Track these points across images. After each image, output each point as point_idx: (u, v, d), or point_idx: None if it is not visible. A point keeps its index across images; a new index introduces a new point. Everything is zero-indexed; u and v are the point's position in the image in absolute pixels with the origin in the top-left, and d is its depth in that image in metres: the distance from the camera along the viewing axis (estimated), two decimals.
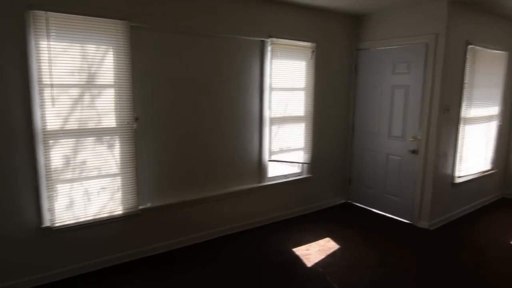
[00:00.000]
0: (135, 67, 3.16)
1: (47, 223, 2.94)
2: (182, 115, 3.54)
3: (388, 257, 3.55)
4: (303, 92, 4.38)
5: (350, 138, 5.02)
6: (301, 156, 4.52)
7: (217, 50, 3.66)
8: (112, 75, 3.05)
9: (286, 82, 4.19)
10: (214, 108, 3.73)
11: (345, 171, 5.10)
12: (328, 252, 3.65)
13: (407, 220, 4.45)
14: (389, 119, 4.53)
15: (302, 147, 4.49)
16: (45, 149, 2.84)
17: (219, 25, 3.62)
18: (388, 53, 4.46)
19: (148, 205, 3.43)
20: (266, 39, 3.96)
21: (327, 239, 3.96)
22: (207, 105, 3.68)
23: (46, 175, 2.87)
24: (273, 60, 4.02)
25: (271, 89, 4.06)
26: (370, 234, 4.09)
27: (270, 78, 4.03)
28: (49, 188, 2.90)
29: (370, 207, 4.90)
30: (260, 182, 4.20)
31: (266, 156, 4.18)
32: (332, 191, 5.01)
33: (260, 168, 4.18)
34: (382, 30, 4.50)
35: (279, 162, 4.34)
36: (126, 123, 3.16)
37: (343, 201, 5.16)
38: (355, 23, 4.77)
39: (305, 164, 4.61)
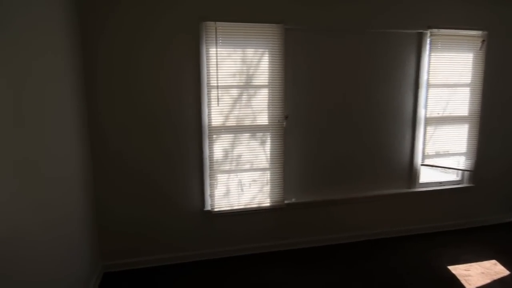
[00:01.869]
0: (287, 67, 3.30)
1: (208, 207, 3.36)
2: (330, 113, 3.53)
3: None
4: (468, 88, 3.80)
5: None
6: (462, 162, 3.94)
7: (368, 46, 3.50)
8: (267, 76, 3.26)
9: (447, 77, 3.71)
10: (363, 107, 3.59)
11: None
12: (495, 277, 3.09)
13: None
14: None
15: (464, 151, 3.91)
16: (209, 142, 3.25)
17: (372, 20, 3.45)
18: None
19: (293, 200, 3.56)
20: (424, 31, 3.58)
21: (493, 261, 3.35)
22: (356, 103, 3.57)
23: (210, 165, 3.28)
24: (432, 54, 3.62)
25: (428, 85, 3.66)
26: None
27: (428, 73, 3.64)
28: (211, 177, 3.31)
29: None
30: (410, 188, 3.86)
31: (418, 159, 3.80)
32: (502, 205, 4.21)
33: (411, 172, 3.83)
34: None
35: (433, 167, 3.89)
36: (277, 121, 3.34)
37: None
38: None
39: (466, 172, 4.00)
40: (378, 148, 3.70)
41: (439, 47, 3.63)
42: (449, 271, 3.20)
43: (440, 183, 4.00)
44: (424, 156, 3.79)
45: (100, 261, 3.16)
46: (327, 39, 3.40)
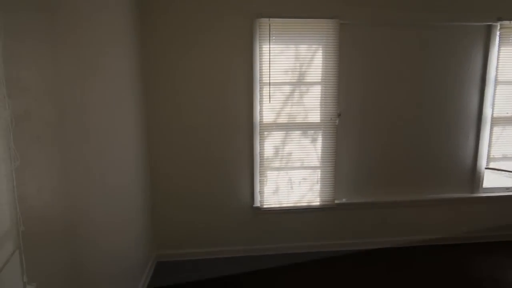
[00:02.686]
0: (341, 63, 3.21)
1: (257, 203, 3.38)
2: (385, 111, 3.38)
3: None
4: None
5: None
6: None
7: (429, 40, 3.30)
8: (320, 72, 3.20)
9: None
10: (420, 105, 3.40)
11: None
12: None
13: None
14: None
15: None
16: (260, 139, 3.26)
17: (434, 12, 3.25)
18: None
19: (344, 200, 3.47)
20: (493, 23, 3.31)
21: None
22: (413, 101, 3.39)
23: (260, 162, 3.29)
24: (501, 48, 3.34)
25: (496, 82, 3.38)
26: None
27: (496, 69, 3.36)
28: (261, 174, 3.32)
29: None
30: (472, 193, 3.60)
31: (482, 162, 3.53)
32: None
33: (473, 176, 3.57)
34: None
35: (500, 171, 3.59)
36: (330, 118, 3.27)
37: None
38: None
39: None
40: (438, 148, 3.49)
41: (511, 41, 3.34)
42: None
43: (507, 189, 3.68)
44: (489, 159, 3.52)
45: (154, 251, 3.31)
46: (385, 33, 3.25)
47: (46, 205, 1.46)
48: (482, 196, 3.60)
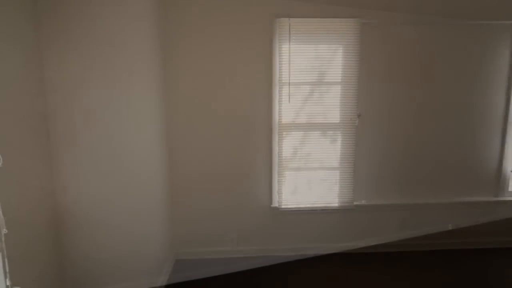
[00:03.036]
0: (362, 63, 3.17)
1: (275, 204, 3.37)
2: (406, 112, 3.32)
3: None
4: None
5: None
6: None
7: (452, 40, 3.22)
8: (340, 72, 3.16)
9: None
10: (442, 106, 3.32)
11: None
12: None
13: None
14: None
15: None
16: (279, 139, 3.25)
17: (458, 10, 3.17)
18: None
19: (363, 202, 3.42)
20: None
21: None
22: (436, 102, 3.31)
23: (279, 162, 3.28)
24: None
25: None
26: None
27: None
28: (279, 174, 3.31)
29: None
30: (497, 196, 3.49)
31: (508, 165, 3.42)
32: None
33: (498, 179, 3.46)
34: None
35: None
36: (349, 119, 3.23)
37: None
38: None
39: None
40: (461, 150, 3.40)
41: None
42: None
43: None
44: None
45: (173, 249, 3.34)
46: (407, 32, 3.19)
47: (70, 203, 1.50)
48: (507, 200, 3.48)
